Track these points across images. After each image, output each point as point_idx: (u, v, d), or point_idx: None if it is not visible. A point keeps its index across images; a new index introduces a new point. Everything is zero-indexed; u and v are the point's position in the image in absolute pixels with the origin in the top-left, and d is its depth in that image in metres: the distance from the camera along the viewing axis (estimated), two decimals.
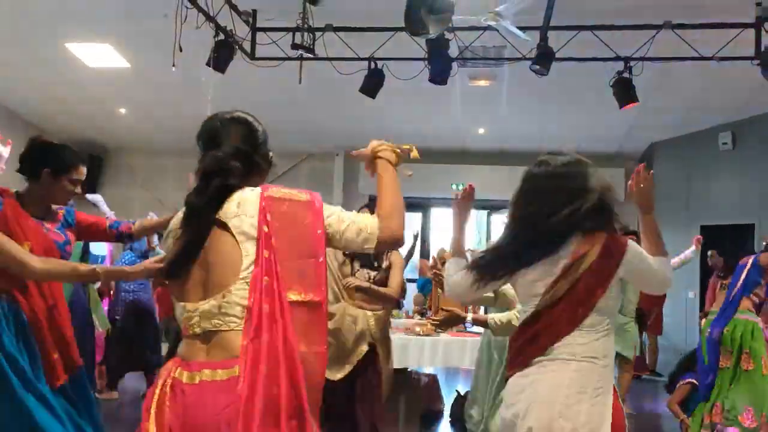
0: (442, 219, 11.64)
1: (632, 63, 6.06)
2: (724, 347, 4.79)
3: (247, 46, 6.11)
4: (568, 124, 9.29)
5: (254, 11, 5.96)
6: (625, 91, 6.17)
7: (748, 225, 8.33)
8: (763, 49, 5.63)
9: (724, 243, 7.90)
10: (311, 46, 5.43)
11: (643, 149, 10.61)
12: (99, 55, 7.22)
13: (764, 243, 5.32)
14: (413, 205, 11.54)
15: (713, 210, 8.92)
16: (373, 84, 6.22)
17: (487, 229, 11.60)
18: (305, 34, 5.35)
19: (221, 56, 5.56)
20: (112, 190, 10.35)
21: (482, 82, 7.50)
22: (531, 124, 9.40)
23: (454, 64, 6.23)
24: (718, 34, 5.72)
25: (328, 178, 11.03)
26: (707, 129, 9.05)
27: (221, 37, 5.60)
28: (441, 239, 10.99)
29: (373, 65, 6.23)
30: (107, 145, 11.19)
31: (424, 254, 10.50)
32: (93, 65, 7.47)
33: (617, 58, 6.07)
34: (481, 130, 9.71)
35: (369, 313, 3.89)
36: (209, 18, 5.30)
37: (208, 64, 5.61)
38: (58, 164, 2.81)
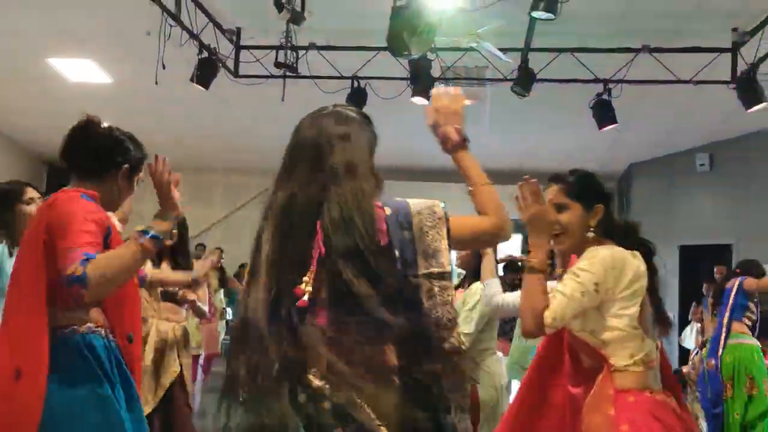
0: None
1: (611, 85, 6.16)
2: (727, 375, 4.63)
3: (230, 63, 6.13)
4: (550, 143, 9.39)
5: (238, 29, 5.99)
6: (604, 113, 6.26)
7: (725, 245, 8.44)
8: (739, 73, 5.75)
9: (703, 263, 8.01)
10: (294, 65, 5.45)
11: (623, 169, 10.75)
12: (81, 70, 7.20)
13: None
14: None
15: (692, 230, 9.03)
16: (355, 102, 6.24)
17: None
18: (288, 52, 5.37)
19: (204, 73, 5.57)
20: None
21: (465, 102, 7.56)
22: (512, 144, 9.49)
23: (438, 84, 6.30)
24: (696, 58, 5.84)
25: None
26: (685, 150, 9.20)
27: (205, 54, 5.61)
28: None
29: (355, 84, 6.27)
30: None
31: None
32: (75, 80, 7.44)
33: (596, 80, 6.17)
34: None
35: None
36: (193, 36, 5.31)
37: (192, 81, 5.61)
38: (136, 161, 2.26)
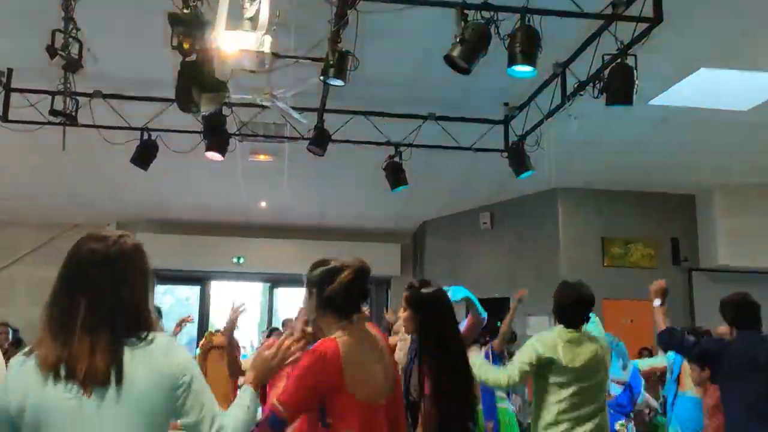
0: (221, 293, 11.23)
1: (402, 149, 6.50)
2: None
3: None
4: (348, 201, 9.64)
5: (9, 70, 5.42)
6: (395, 175, 6.57)
7: (504, 299, 9.15)
8: (510, 144, 6.36)
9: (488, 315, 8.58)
10: (74, 113, 5.03)
11: (416, 227, 11.34)
12: None
13: None
14: (192, 279, 11.05)
15: (476, 284, 9.62)
16: (145, 155, 5.94)
17: (270, 304, 11.44)
18: (68, 99, 4.95)
19: None
20: None
21: (263, 157, 7.53)
22: (312, 200, 9.59)
23: (235, 139, 6.19)
24: (474, 128, 6.37)
25: None
26: (470, 210, 9.96)
27: None
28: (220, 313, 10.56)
29: (145, 135, 5.96)
30: None
31: (201, 331, 9.95)
32: None
33: (388, 143, 6.47)
34: (263, 204, 9.70)
35: None
36: None
37: None
38: None
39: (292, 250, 10.29)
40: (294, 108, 5.32)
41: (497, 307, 8.94)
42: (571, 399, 3.17)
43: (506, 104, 6.22)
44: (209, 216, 10.11)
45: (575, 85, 4.89)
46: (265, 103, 4.92)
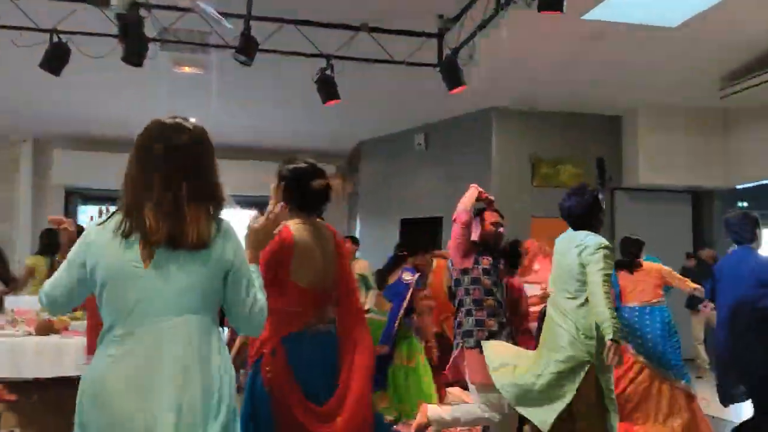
0: None
1: (333, 61, 6.27)
2: None
3: None
4: (281, 119, 9.38)
5: None
6: (327, 88, 6.35)
7: (437, 218, 9.25)
8: (443, 58, 6.23)
9: (421, 234, 8.68)
10: None
11: (351, 148, 11.21)
12: None
13: None
14: (112, 199, 10.70)
15: (411, 204, 9.75)
16: (55, 60, 5.52)
17: None
18: None
19: None
20: None
21: (188, 69, 7.16)
22: (243, 118, 9.29)
23: (156, 47, 5.83)
24: (409, 41, 6.19)
25: (13, 168, 9.64)
26: (405, 130, 9.87)
27: None
28: None
29: (55, 38, 5.54)
30: None
31: None
32: None
33: (319, 55, 6.23)
34: (192, 121, 9.31)
35: None
36: None
37: None
38: None
39: (224, 171, 10.00)
40: (220, 13, 5.02)
41: (433, 226, 9.06)
42: None
43: (441, 16, 6.05)
44: (131, 132, 9.60)
45: None
46: (185, 5, 4.61)
